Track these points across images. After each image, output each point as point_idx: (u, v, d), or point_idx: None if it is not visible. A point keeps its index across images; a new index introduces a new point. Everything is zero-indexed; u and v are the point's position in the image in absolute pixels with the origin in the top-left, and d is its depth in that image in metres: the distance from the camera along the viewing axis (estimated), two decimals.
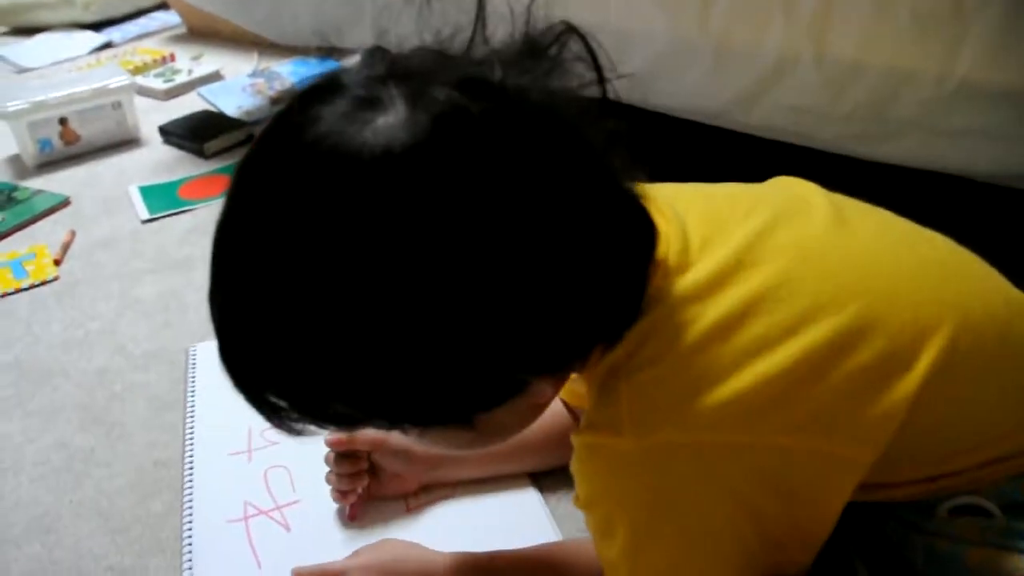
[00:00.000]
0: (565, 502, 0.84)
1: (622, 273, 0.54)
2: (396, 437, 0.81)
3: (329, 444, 0.82)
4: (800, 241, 0.60)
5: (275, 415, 0.53)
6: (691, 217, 0.59)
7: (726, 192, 0.67)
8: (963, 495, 0.61)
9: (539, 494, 0.85)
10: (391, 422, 0.55)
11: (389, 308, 0.47)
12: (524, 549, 0.74)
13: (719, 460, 0.55)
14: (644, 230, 0.55)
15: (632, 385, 0.55)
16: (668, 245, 0.56)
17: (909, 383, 0.55)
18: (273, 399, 0.52)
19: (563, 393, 0.82)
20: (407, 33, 1.48)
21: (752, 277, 0.56)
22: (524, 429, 0.62)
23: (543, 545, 0.76)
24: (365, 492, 0.84)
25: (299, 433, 0.54)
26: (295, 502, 0.87)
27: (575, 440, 0.59)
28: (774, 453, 0.55)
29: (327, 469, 0.84)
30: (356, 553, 0.77)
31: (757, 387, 0.54)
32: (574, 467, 0.60)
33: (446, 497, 0.86)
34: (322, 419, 0.54)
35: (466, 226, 0.46)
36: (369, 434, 0.81)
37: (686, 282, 0.56)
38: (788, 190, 0.68)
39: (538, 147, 0.48)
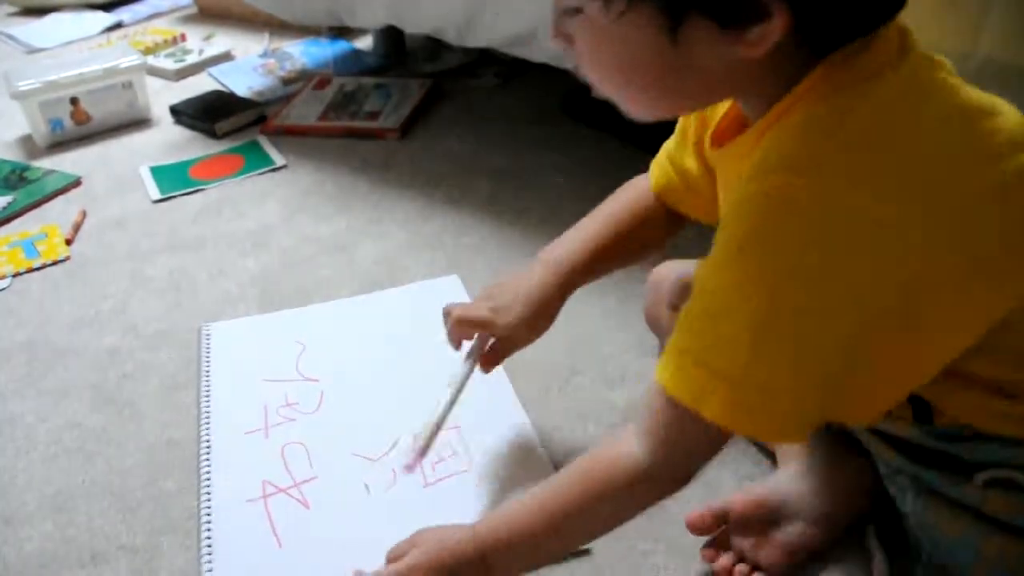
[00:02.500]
0: None
1: None
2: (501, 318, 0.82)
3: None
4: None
5: None
6: None
7: None
8: (1003, 468, 0.60)
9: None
10: None
11: None
12: (533, 499, 0.68)
13: (881, 237, 0.52)
14: None
15: (832, 132, 0.53)
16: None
17: None
18: None
19: (664, 184, 0.82)
20: (420, 13, 1.46)
21: (976, 95, 0.57)
22: (694, 105, 0.67)
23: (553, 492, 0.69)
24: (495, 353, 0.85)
25: None
26: (313, 478, 0.87)
27: (744, 187, 0.55)
28: (926, 255, 0.53)
29: (343, 444, 0.86)
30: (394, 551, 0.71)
31: (960, 185, 0.53)
32: (731, 212, 0.56)
33: (461, 471, 0.86)
34: None
35: None
36: (477, 318, 0.83)
37: (926, 60, 0.58)
38: None
39: None
